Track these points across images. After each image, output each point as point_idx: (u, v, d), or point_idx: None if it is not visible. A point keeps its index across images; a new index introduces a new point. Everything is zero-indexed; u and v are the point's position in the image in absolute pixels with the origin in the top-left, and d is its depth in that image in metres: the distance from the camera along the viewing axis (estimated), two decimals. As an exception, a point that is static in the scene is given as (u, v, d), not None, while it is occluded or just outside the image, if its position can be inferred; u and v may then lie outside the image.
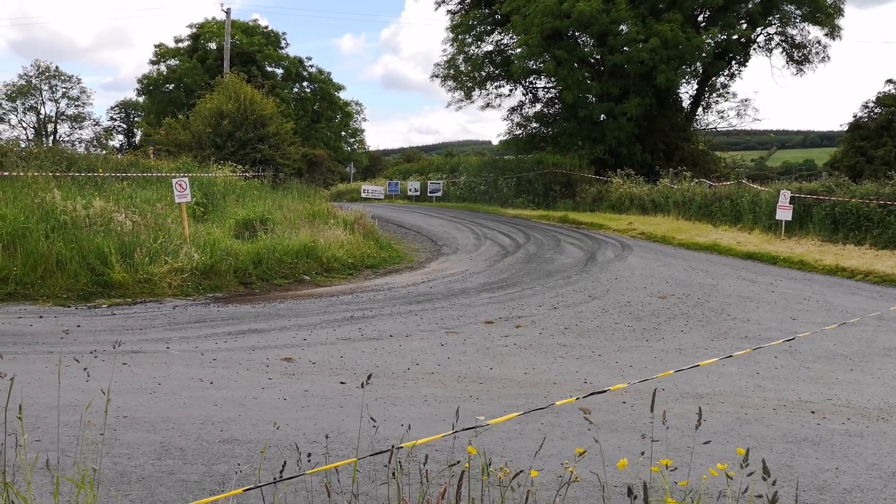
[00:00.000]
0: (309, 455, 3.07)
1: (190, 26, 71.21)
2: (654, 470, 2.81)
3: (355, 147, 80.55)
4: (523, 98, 47.44)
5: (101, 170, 19.72)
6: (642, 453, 3.03)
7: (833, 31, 42.17)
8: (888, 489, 5.06)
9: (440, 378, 8.11)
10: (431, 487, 3.08)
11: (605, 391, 3.92)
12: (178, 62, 66.41)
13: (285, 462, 2.94)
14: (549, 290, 14.20)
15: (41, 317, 11.01)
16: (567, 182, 37.61)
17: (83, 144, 75.94)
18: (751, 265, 18.36)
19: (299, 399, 7.05)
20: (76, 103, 77.42)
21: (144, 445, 5.59)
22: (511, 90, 47.30)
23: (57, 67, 78.29)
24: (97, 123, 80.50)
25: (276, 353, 9.13)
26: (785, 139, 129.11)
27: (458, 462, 3.02)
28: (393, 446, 2.89)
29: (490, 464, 3.12)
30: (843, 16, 41.89)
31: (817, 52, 43.71)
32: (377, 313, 11.88)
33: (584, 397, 3.72)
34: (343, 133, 78.30)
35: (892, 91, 51.82)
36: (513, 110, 47.48)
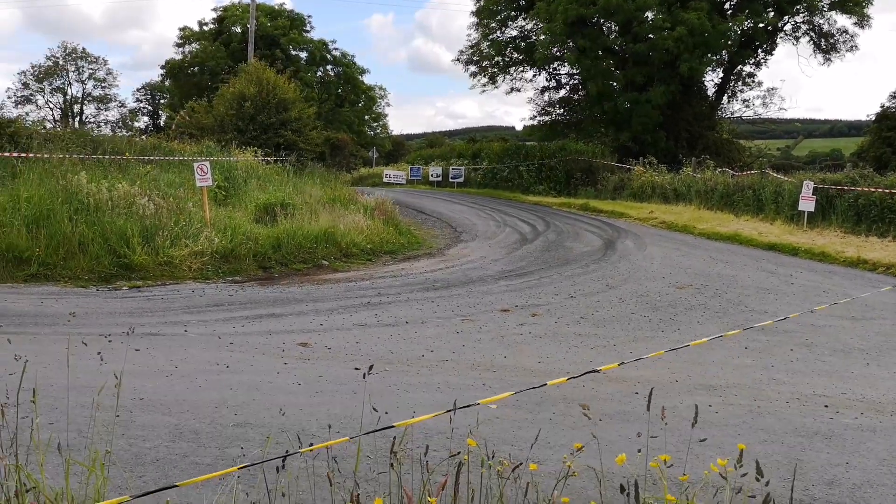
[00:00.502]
0: (311, 444, 3.11)
1: (215, 9, 71.50)
2: (653, 465, 2.84)
3: (378, 131, 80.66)
4: (547, 84, 47.30)
5: (126, 153, 19.88)
6: (638, 451, 3.05)
7: (862, 20, 41.60)
8: (898, 485, 5.05)
9: (454, 365, 8.15)
10: (433, 476, 3.12)
11: (597, 371, 3.94)
12: (201, 46, 66.63)
13: (287, 451, 2.99)
14: (566, 279, 14.20)
15: (62, 298, 11.15)
16: (589, 169, 37.49)
17: (108, 126, 76.46)
18: (772, 256, 18.24)
19: (313, 384, 7.12)
20: (102, 84, 77.87)
21: (159, 427, 5.68)
22: (535, 76, 47.19)
23: (84, 49, 78.84)
24: (123, 105, 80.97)
25: (293, 337, 9.21)
26: (812, 128, 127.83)
27: (459, 453, 3.05)
28: (392, 426, 2.93)
29: (493, 455, 3.15)
30: (872, 4, 41.30)
31: (845, 41, 43.16)
32: (394, 299, 11.93)
33: (576, 377, 3.74)
34: (366, 117, 78.40)
35: (922, 81, 51.04)
36: (537, 94, 47.36)
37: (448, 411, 3.13)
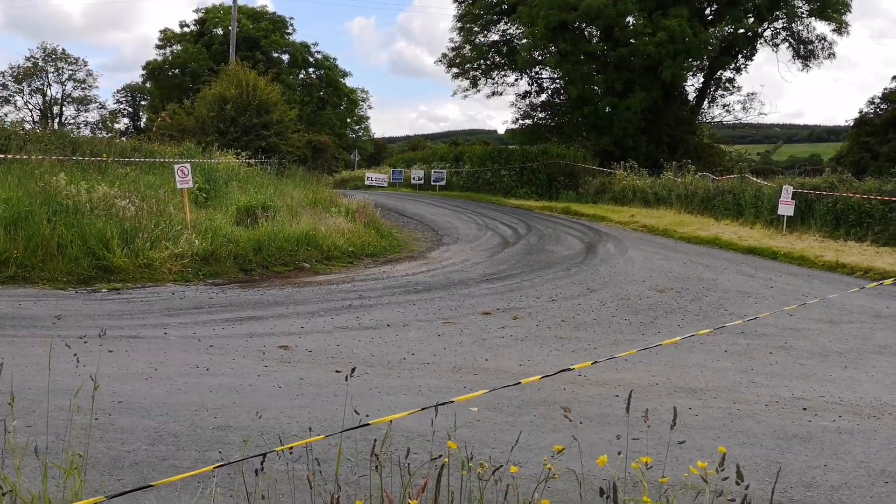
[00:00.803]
0: (291, 449, 3.10)
1: (196, 11, 71.29)
2: (634, 467, 2.85)
3: (360, 134, 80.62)
4: (529, 88, 47.44)
5: (105, 154, 19.75)
6: (619, 453, 3.06)
7: (840, 27, 42.00)
8: (875, 487, 5.10)
9: (435, 368, 8.15)
10: (414, 479, 3.12)
11: (571, 369, 3.95)
12: (182, 47, 66.36)
13: (265, 455, 2.97)
14: (548, 282, 14.23)
15: (40, 300, 11.06)
16: (571, 173, 37.61)
17: (89, 127, 75.94)
18: (751, 260, 18.36)
19: (294, 387, 7.10)
20: (82, 86, 77.36)
21: (139, 431, 5.64)
22: (517, 80, 47.31)
23: (63, 50, 78.20)
24: (103, 106, 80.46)
25: (274, 340, 9.18)
26: (791, 133, 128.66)
27: (440, 456, 3.05)
28: (367, 424, 2.93)
29: (472, 458, 3.15)
30: (850, 11, 41.72)
31: (823, 48, 43.56)
32: (375, 302, 11.92)
33: (551, 375, 3.75)
34: (348, 120, 78.34)
35: (899, 87, 51.59)
36: (519, 98, 47.49)
37: (424, 409, 3.13)
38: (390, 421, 3.10)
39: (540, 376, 3.80)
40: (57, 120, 73.67)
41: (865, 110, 51.89)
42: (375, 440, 2.99)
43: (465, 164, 44.53)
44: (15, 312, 10.14)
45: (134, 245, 13.35)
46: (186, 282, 13.11)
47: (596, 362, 4.62)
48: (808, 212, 22.25)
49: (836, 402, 7.26)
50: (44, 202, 13.72)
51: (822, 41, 43.30)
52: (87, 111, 77.41)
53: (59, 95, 75.63)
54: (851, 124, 53.10)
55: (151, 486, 2.86)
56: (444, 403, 3.29)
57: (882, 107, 51.19)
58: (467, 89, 47.53)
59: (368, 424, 2.96)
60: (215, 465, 2.78)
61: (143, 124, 72.74)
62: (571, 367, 4.11)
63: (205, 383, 7.09)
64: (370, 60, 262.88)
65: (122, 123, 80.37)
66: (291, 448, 3.04)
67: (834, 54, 43.40)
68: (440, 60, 48.11)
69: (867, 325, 11.15)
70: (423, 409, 3.12)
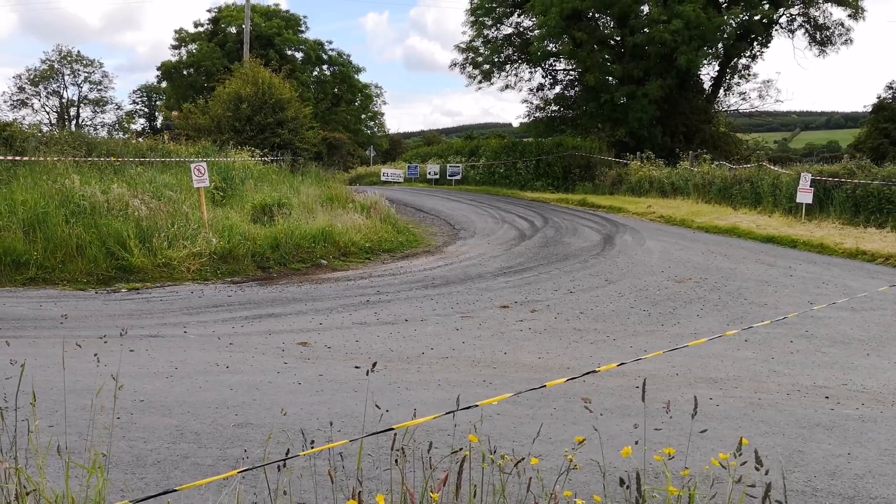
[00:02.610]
0: (312, 442, 3.10)
1: (210, 10, 71.51)
2: (657, 459, 2.82)
3: (375, 130, 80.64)
4: (543, 80, 47.27)
5: (118, 155, 19.85)
6: (636, 442, 3.04)
7: (856, 13, 41.60)
8: (900, 475, 5.05)
9: (454, 362, 8.14)
10: (435, 473, 3.11)
11: (595, 371, 3.93)
12: (197, 47, 66.60)
13: (288, 450, 2.98)
14: (565, 274, 14.19)
15: (60, 301, 11.14)
16: (586, 165, 37.49)
17: (105, 128, 76.46)
18: (770, 249, 18.24)
19: (314, 383, 7.11)
20: (98, 87, 77.82)
21: (160, 429, 5.66)
22: (531, 73, 47.14)
23: (79, 52, 78.92)
24: (119, 107, 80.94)
25: (292, 337, 9.20)
26: (808, 120, 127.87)
27: (461, 449, 3.05)
28: (388, 429, 2.93)
29: (495, 451, 3.14)
30: (866, -4, 41.31)
31: (840, 34, 43.12)
32: (393, 297, 11.92)
33: (576, 377, 3.73)
34: (363, 116, 78.37)
35: (918, 71, 51.10)
36: (532, 91, 47.32)
37: (448, 413, 3.12)
38: (415, 424, 3.09)
39: (565, 379, 3.78)
40: (74, 122, 74.22)
41: (884, 95, 51.52)
42: (396, 434, 2.98)
43: (480, 157, 44.47)
44: (36, 314, 10.22)
45: (152, 244, 13.42)
46: (205, 280, 13.16)
47: (622, 364, 4.59)
48: (827, 199, 22.08)
49: (858, 391, 7.20)
50: (61, 203, 13.80)
51: (839, 26, 42.90)
52: (103, 112, 78.02)
53: (75, 97, 76.19)
54: (870, 110, 52.69)
55: (175, 490, 2.86)
56: (468, 407, 3.28)
57: (900, 92, 50.76)
58: (480, 83, 47.44)
59: (393, 429, 2.95)
60: (240, 470, 2.79)
61: (159, 124, 73.06)
62: (597, 369, 4.09)
63: (225, 381, 7.11)
64: (384, 56, 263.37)
65: (139, 124, 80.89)
66: (317, 451, 3.04)
67: (851, 40, 42.99)
68: (454, 63, 48.05)
69: (889, 313, 11.05)
70: (447, 412, 3.11)
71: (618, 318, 10.67)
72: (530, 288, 12.84)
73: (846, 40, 43.03)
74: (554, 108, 46.90)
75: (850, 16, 41.96)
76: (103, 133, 71.04)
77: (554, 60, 44.93)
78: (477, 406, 3.34)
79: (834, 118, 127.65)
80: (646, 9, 39.19)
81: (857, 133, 58.03)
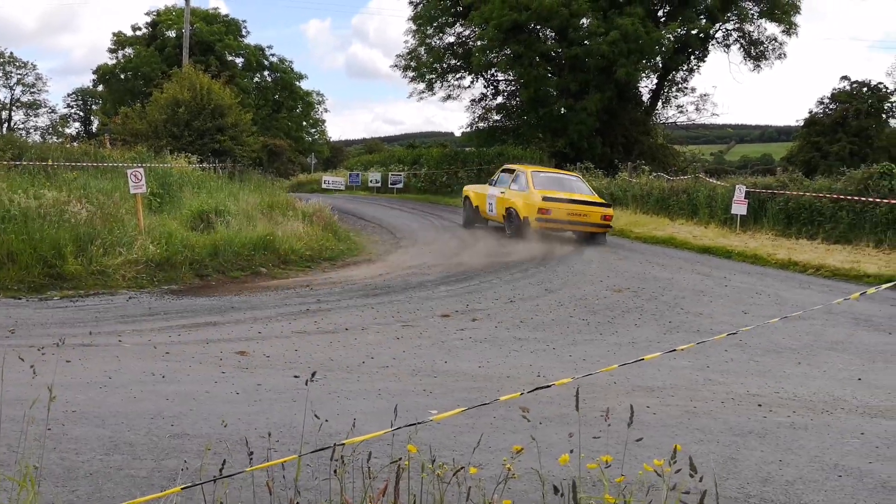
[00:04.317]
0: (251, 453, 3.07)
1: (148, 14, 70.44)
2: (589, 467, 2.86)
3: (316, 137, 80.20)
4: (485, 90, 47.56)
5: (51, 160, 19.41)
6: (570, 451, 3.07)
7: (789, 28, 42.76)
8: (829, 481, 5.17)
9: (394, 372, 8.13)
10: (375, 483, 3.11)
11: (549, 386, 3.95)
12: (135, 51, 65.56)
13: (224, 461, 2.94)
14: (506, 284, 14.28)
15: (-9, 309, 10.84)
16: (527, 175, 37.72)
17: (39, 132, 74.75)
18: (706, 259, 18.61)
19: (252, 393, 7.03)
20: (31, 90, 76.11)
21: (93, 440, 5.54)
22: (472, 82, 47.40)
23: (11, 53, 76.98)
24: (53, 111, 79.25)
25: (231, 346, 9.08)
26: (743, 134, 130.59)
27: (400, 459, 3.04)
28: (335, 444, 2.91)
29: (434, 460, 3.15)
30: (799, 13, 42.52)
31: (774, 49, 44.32)
32: (333, 306, 11.86)
33: (528, 392, 3.75)
34: (304, 123, 77.91)
35: (847, 87, 52.71)
36: (474, 102, 47.57)
37: (398, 428, 3.11)
38: (361, 441, 3.08)
39: (519, 393, 3.80)
40: (6, 125, 72.41)
41: (815, 110, 52.98)
42: (335, 444, 2.97)
43: (422, 166, 44.55)
44: (-36, 322, 9.92)
45: (87, 252, 13.13)
46: (141, 288, 12.93)
47: (575, 378, 4.62)
48: (761, 211, 22.62)
49: (790, 398, 7.38)
50: (-9, 209, 13.44)
51: (773, 42, 44.08)
52: (36, 116, 76.23)
53: (7, 100, 74.35)
54: (802, 124, 54.11)
55: None
56: (420, 423, 3.28)
57: (831, 107, 52.32)
58: (423, 92, 47.53)
59: (343, 444, 2.93)
60: (182, 487, 2.75)
61: (95, 128, 71.73)
62: (551, 383, 4.11)
63: (161, 391, 6.99)
64: (326, 63, 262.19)
65: (73, 128, 79.28)
66: (260, 468, 3.01)
67: (784, 55, 44.21)
68: (395, 66, 48.10)
69: (818, 322, 11.35)
70: (396, 427, 3.10)
71: (558, 326, 10.77)
72: (471, 297, 12.89)
73: (780, 55, 44.24)
74: (496, 117, 47.23)
75: (783, 31, 43.17)
76: (36, 137, 69.47)
77: (496, 71, 45.27)
78: (430, 421, 3.34)
79: (768, 132, 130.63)
80: (585, 22, 39.71)
81: (789, 146, 59.56)
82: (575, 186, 22.17)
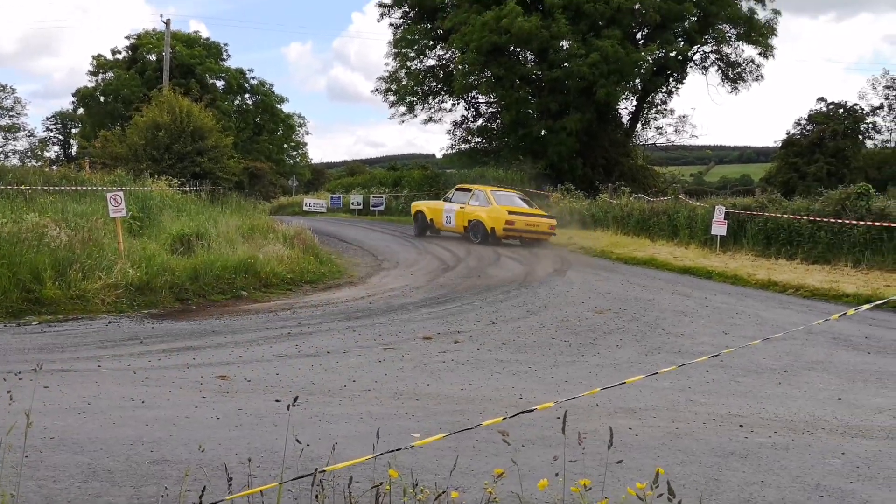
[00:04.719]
0: (230, 479, 3.04)
1: (128, 37, 70.34)
2: (573, 490, 2.86)
3: (298, 160, 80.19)
4: (466, 113, 47.78)
5: (29, 183, 19.30)
6: (556, 474, 3.07)
7: (766, 50, 43.29)
8: (811, 501, 5.19)
9: (377, 395, 8.09)
10: (356, 509, 3.09)
11: (532, 410, 3.95)
12: (115, 74, 65.42)
13: (205, 487, 2.92)
14: (488, 305, 14.29)
15: (-32, 335, 10.72)
16: (508, 196, 37.87)
17: (17, 156, 74.25)
18: (687, 280, 18.70)
19: (233, 418, 6.98)
20: (10, 113, 75.65)
21: (71, 467, 5.48)
22: (454, 105, 47.61)
23: (-10, 77, 76.57)
24: (32, 134, 78.79)
25: (211, 370, 9.02)
26: (722, 155, 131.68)
27: (381, 483, 3.03)
28: (316, 469, 2.89)
29: (416, 484, 3.13)
30: (776, 35, 43.08)
31: (751, 71, 44.84)
32: (315, 329, 11.82)
33: (511, 417, 3.75)
34: (285, 146, 77.92)
35: (824, 109, 53.31)
36: (455, 125, 47.77)
37: (381, 454, 3.10)
38: (345, 466, 3.07)
39: (501, 418, 3.80)
40: (-17, 148, 71.88)
41: (793, 132, 53.50)
42: (316, 469, 2.95)
43: (404, 188, 44.63)
44: (-60, 348, 9.81)
45: (66, 276, 13.03)
46: (121, 312, 12.83)
47: (558, 402, 4.63)
48: (741, 231, 22.79)
49: (771, 419, 7.40)
50: (-32, 234, 13.31)
51: (750, 63, 44.59)
52: (15, 139, 75.68)
53: (-16, 123, 73.85)
54: (780, 145, 54.63)
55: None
56: (405, 448, 3.27)
57: (808, 128, 52.88)
58: (404, 114, 47.69)
59: (325, 471, 2.92)
60: None
61: (74, 152, 71.39)
62: (534, 408, 4.11)
63: (140, 416, 6.93)
64: (307, 86, 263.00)
65: (53, 151, 78.87)
66: (243, 495, 2.99)
67: (762, 76, 44.71)
68: (376, 90, 48.28)
69: (799, 342, 11.41)
70: (378, 454, 3.09)
71: (539, 348, 10.78)
72: (453, 319, 12.89)
73: (757, 77, 44.76)
74: (477, 139, 47.42)
75: (760, 53, 43.70)
76: (15, 160, 69.02)
77: (477, 93, 45.51)
78: (411, 447, 3.33)
79: (746, 153, 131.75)
80: (565, 44, 40.04)
81: (768, 167, 60.10)
82: (521, 202, 27.26)
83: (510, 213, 25.17)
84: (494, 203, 25.61)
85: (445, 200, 28.18)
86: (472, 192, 26.78)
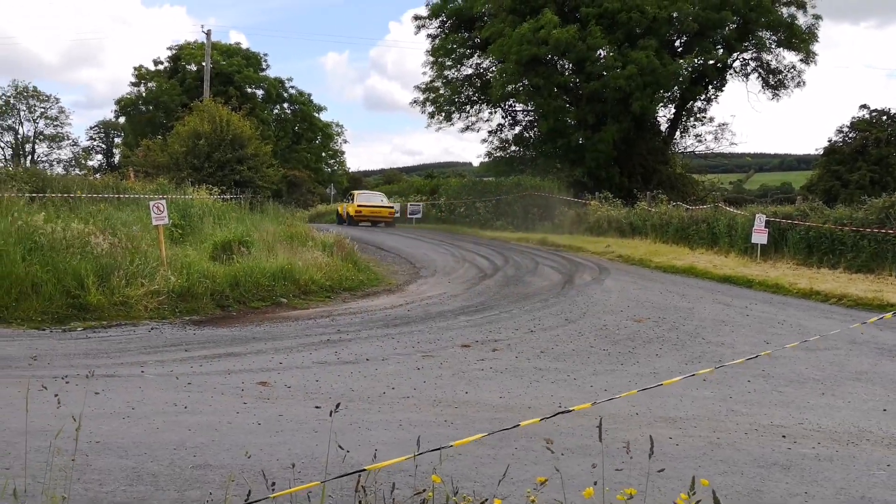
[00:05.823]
0: (273, 484, 3.07)
1: (170, 48, 71.34)
2: (619, 498, 2.85)
3: (335, 168, 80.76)
4: (503, 121, 47.80)
5: (77, 191, 19.64)
6: (595, 483, 3.07)
7: (808, 57, 42.81)
8: (856, 513, 5.12)
9: (415, 402, 8.12)
10: (399, 515, 3.11)
11: (570, 411, 3.95)
12: (156, 84, 66.43)
13: (249, 491, 2.95)
14: (526, 314, 14.26)
15: (15, 340, 10.93)
16: (545, 205, 37.81)
17: (61, 165, 75.67)
18: (726, 288, 18.51)
19: (273, 424, 7.05)
20: (54, 123, 77.11)
21: (116, 471, 5.57)
22: (491, 113, 47.69)
23: (35, 87, 78.17)
24: (75, 144, 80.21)
25: (252, 376, 9.11)
26: (763, 162, 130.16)
27: (424, 490, 3.05)
28: (358, 470, 2.92)
29: (457, 491, 3.15)
30: (817, 41, 42.57)
31: (792, 77, 44.39)
32: (354, 336, 11.88)
33: (549, 417, 3.75)
34: (323, 154, 78.51)
35: (866, 116, 52.49)
36: (492, 133, 47.81)
37: (420, 454, 3.12)
38: (385, 466, 3.09)
39: (539, 419, 3.80)
40: (29, 158, 73.36)
41: (835, 139, 52.69)
42: (359, 471, 2.98)
43: (441, 196, 44.69)
44: (-12, 353, 10.00)
45: (110, 283, 13.23)
46: (163, 319, 13.01)
47: (596, 403, 4.63)
48: (782, 240, 22.51)
49: (814, 430, 7.31)
50: (18, 241, 13.57)
51: (791, 70, 44.12)
52: (59, 149, 77.25)
53: (31, 133, 75.36)
54: (821, 153, 53.86)
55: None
56: (442, 448, 3.28)
57: (850, 135, 52.01)
58: (441, 123, 47.86)
59: (364, 470, 2.94)
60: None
61: (117, 161, 72.55)
62: (571, 408, 4.12)
63: (183, 421, 7.02)
64: (344, 95, 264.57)
65: (96, 160, 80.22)
66: (283, 494, 3.03)
67: (803, 82, 44.27)
68: (414, 101, 48.51)
69: (843, 352, 11.25)
70: (420, 452, 3.11)
71: (578, 357, 10.74)
72: (491, 327, 12.88)
73: (798, 83, 44.29)
74: (514, 148, 47.43)
75: (801, 60, 43.23)
76: (59, 169, 70.33)
77: (514, 101, 45.52)
78: (451, 446, 3.35)
79: (787, 160, 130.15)
80: (602, 54, 39.92)
81: (809, 175, 59.19)
82: (378, 199, 43.71)
83: (359, 206, 41.17)
84: (355, 201, 42.06)
85: (345, 201, 44.92)
86: (352, 194, 44.11)
